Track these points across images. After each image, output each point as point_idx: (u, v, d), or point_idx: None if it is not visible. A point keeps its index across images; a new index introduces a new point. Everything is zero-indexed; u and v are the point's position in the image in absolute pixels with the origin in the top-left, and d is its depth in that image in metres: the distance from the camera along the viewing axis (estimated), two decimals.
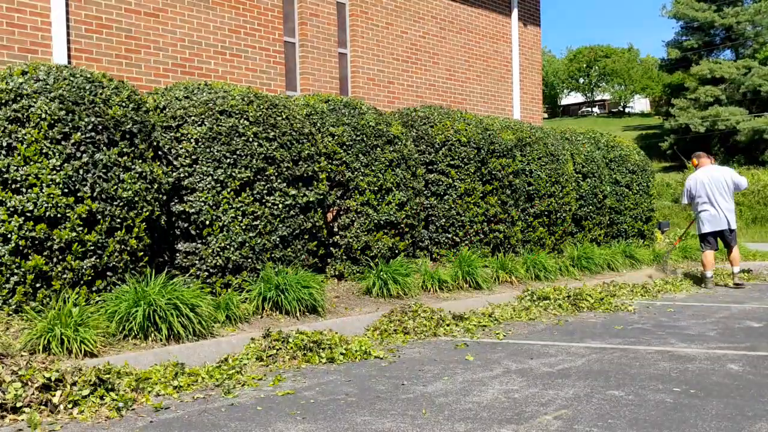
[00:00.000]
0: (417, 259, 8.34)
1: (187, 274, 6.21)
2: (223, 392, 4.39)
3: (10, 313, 5.13)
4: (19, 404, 3.83)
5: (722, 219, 9.70)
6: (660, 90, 59.12)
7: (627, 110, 74.45)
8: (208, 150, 6.32)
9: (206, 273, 6.31)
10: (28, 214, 5.16)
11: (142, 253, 5.79)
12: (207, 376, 4.72)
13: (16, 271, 5.16)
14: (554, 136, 10.85)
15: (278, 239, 6.68)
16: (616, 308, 7.73)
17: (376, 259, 7.71)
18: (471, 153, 8.89)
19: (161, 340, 5.23)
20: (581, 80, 76.01)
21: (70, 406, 3.94)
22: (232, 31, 9.44)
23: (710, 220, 9.72)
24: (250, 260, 6.47)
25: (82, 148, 5.39)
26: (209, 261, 6.30)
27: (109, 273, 5.54)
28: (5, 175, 5.16)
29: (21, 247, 5.14)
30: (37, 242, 5.19)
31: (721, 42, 48.05)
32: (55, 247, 5.24)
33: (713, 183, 9.75)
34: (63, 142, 5.32)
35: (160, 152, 6.21)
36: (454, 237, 8.85)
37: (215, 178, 6.31)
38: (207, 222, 6.28)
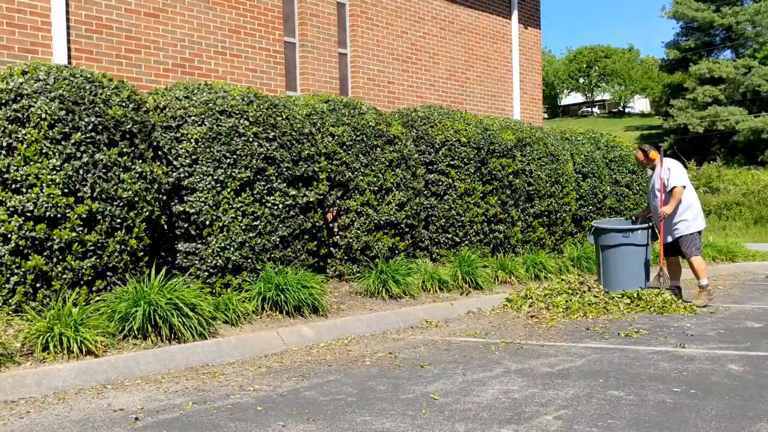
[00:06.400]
0: (417, 259, 8.34)
1: (187, 274, 6.20)
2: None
3: (10, 312, 5.13)
4: None
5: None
6: (660, 90, 59.16)
7: (627, 110, 74.46)
8: (208, 150, 6.32)
9: (206, 273, 6.31)
10: (28, 214, 5.16)
11: (142, 254, 5.78)
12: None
13: (16, 271, 5.15)
14: (554, 136, 10.85)
15: (278, 239, 6.68)
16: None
17: (376, 259, 7.71)
18: (471, 153, 8.89)
19: (161, 339, 5.23)
20: (581, 80, 76.03)
21: None
22: (232, 31, 9.44)
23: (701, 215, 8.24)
24: (250, 260, 6.47)
25: (82, 148, 5.39)
26: (209, 261, 6.30)
27: (109, 273, 5.54)
28: (5, 175, 5.16)
29: (21, 247, 5.14)
30: (37, 242, 5.19)
31: (720, 42, 48.07)
32: (55, 247, 5.24)
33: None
34: (63, 142, 5.32)
35: (160, 152, 6.21)
36: (454, 237, 8.85)
37: (215, 178, 6.31)
38: (207, 222, 6.28)
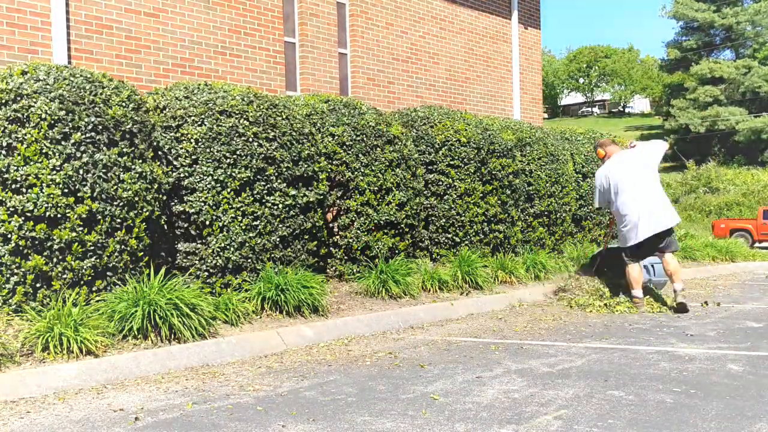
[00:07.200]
0: (417, 259, 8.34)
1: (187, 274, 6.20)
2: None
3: (10, 312, 5.13)
4: None
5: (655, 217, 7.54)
6: (660, 90, 59.16)
7: (627, 110, 74.46)
8: (208, 150, 6.32)
9: (206, 273, 6.31)
10: (28, 214, 5.16)
11: (142, 254, 5.78)
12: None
13: (16, 271, 5.15)
14: (554, 136, 10.85)
15: (278, 239, 6.68)
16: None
17: (376, 259, 7.71)
18: (471, 153, 8.89)
19: (161, 339, 5.23)
20: (581, 80, 76.02)
21: None
22: (232, 31, 9.44)
23: (637, 225, 7.54)
24: (250, 260, 6.47)
25: (82, 148, 5.39)
26: (209, 261, 6.30)
27: (109, 273, 5.54)
28: (5, 175, 5.16)
29: (21, 247, 5.14)
30: (37, 242, 5.19)
31: (721, 42, 48.09)
32: (55, 247, 5.24)
33: (631, 171, 7.69)
34: (63, 142, 5.32)
35: (160, 152, 6.21)
36: (454, 237, 8.85)
37: (215, 178, 6.31)
38: (207, 222, 6.28)
